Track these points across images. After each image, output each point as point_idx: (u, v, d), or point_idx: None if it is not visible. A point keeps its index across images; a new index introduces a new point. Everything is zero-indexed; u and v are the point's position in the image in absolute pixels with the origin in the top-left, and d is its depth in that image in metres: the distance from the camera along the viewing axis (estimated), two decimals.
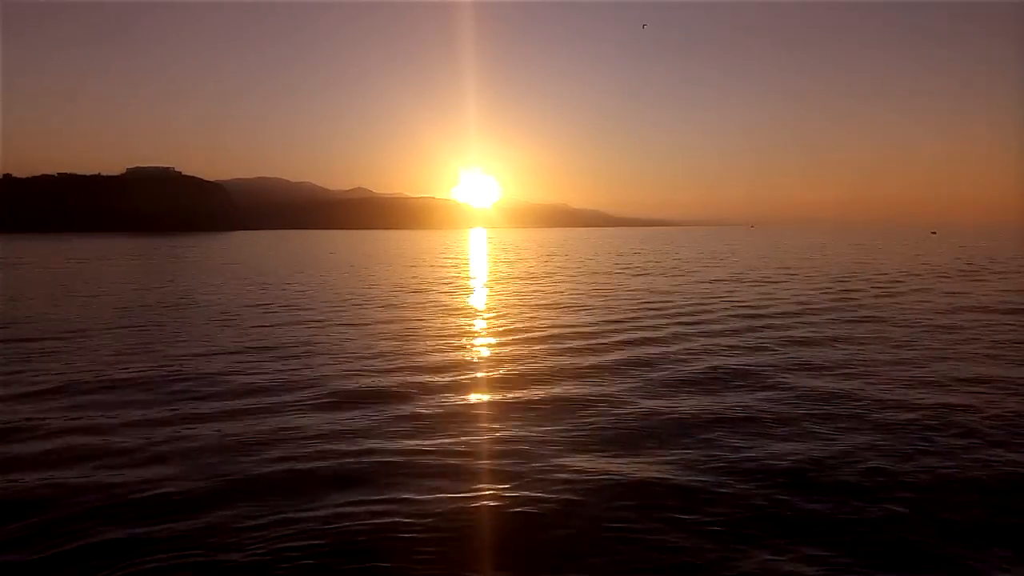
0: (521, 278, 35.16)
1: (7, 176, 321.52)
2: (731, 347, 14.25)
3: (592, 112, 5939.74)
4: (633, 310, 20.87)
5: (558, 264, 48.22)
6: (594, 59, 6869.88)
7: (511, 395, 10.31)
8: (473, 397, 10.34)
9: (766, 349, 14.06)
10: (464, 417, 9.19)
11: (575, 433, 8.40)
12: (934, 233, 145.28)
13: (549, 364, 12.64)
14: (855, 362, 12.60)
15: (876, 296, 24.32)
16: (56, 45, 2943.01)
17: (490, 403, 9.93)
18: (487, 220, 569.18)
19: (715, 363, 12.63)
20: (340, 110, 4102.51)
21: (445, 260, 54.48)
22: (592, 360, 12.95)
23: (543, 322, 18.31)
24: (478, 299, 25.18)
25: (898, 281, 30.12)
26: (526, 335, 16.13)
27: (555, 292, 27.20)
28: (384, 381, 11.28)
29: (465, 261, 54.03)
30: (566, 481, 6.77)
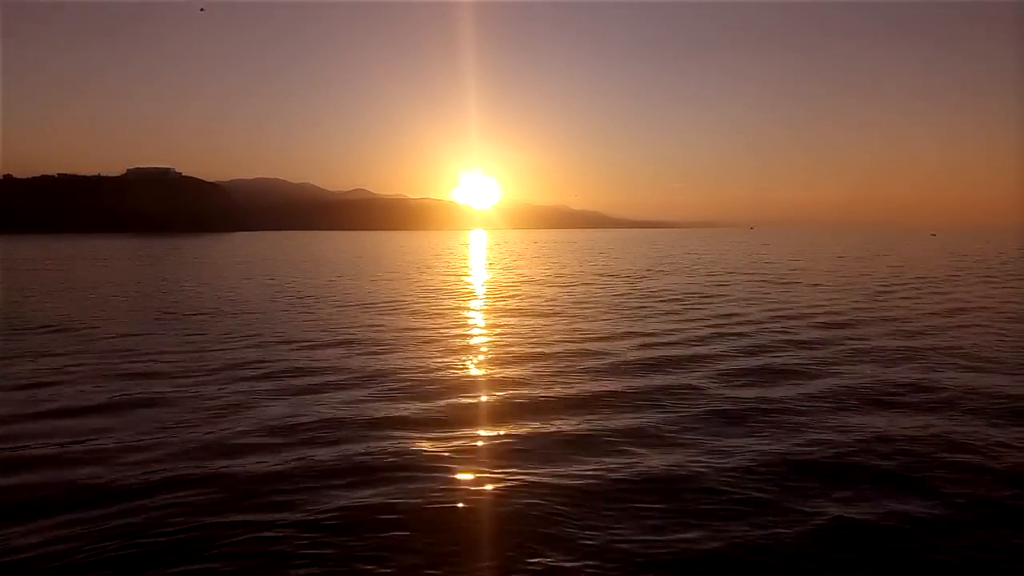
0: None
1: (7, 176, 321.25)
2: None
3: (592, 113, 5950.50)
4: None
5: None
6: (594, 60, 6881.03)
7: None
8: None
9: None
10: None
11: None
12: (934, 235, 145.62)
13: None
14: None
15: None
16: (56, 45, 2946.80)
17: None
18: (487, 221, 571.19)
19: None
20: (340, 111, 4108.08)
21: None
22: None
23: None
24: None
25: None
26: None
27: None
28: None
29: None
30: None
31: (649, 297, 25.57)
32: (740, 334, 16.50)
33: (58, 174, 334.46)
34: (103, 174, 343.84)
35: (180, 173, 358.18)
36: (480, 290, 29.60)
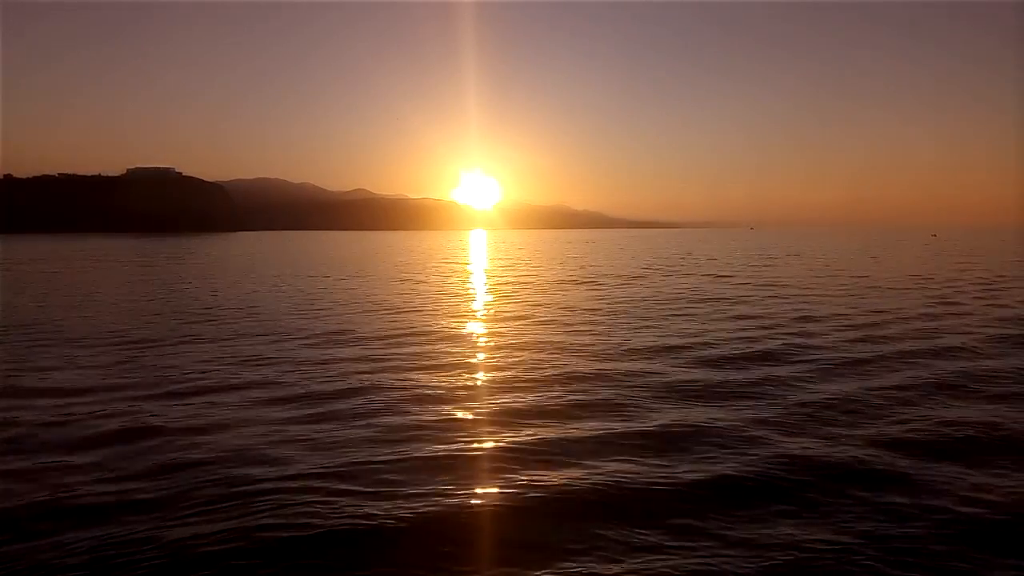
0: None
1: (7, 176, 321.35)
2: None
3: (593, 113, 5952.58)
4: None
5: None
6: (594, 59, 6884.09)
7: None
8: None
9: None
10: None
11: None
12: (934, 235, 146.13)
13: None
14: None
15: None
16: (56, 45, 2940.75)
17: None
18: (488, 221, 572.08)
19: None
20: (340, 111, 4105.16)
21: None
22: None
23: None
24: None
25: None
26: None
27: None
28: None
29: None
30: None
31: None
32: None
33: (58, 174, 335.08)
34: (103, 174, 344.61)
35: (180, 173, 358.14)
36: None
